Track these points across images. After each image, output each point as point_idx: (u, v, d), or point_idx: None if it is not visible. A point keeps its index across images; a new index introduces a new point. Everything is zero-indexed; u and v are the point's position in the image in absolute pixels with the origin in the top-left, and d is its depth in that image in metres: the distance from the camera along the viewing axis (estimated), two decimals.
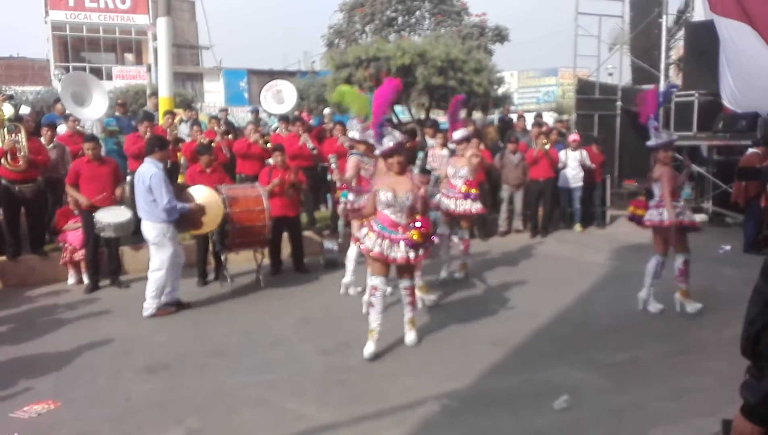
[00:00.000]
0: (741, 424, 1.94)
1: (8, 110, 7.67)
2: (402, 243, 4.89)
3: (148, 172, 6.04)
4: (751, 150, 8.86)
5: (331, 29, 17.11)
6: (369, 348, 5.00)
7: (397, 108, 14.31)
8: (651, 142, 5.97)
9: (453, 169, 7.24)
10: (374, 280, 5.04)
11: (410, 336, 5.24)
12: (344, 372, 4.72)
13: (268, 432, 3.86)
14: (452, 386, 4.40)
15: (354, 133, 6.73)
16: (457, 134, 7.25)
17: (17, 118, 7.85)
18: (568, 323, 5.80)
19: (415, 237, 4.84)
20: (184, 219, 6.24)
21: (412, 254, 4.90)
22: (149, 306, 6.19)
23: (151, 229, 6.10)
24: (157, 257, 6.14)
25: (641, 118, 6.14)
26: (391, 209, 4.93)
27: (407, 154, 6.80)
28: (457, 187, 7.12)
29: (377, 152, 5.23)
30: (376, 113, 5.20)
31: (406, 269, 5.09)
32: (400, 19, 16.75)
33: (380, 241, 4.91)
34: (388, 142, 5.02)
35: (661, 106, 6.09)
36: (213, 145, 8.16)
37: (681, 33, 14.24)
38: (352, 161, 7.02)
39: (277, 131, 10.48)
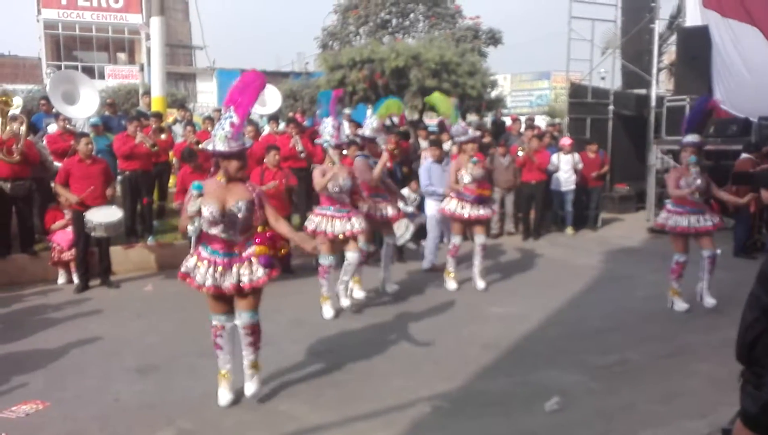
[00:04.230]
0: (742, 433, 1.89)
1: (17, 101, 7.65)
2: (235, 267, 3.96)
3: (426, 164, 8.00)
4: (744, 155, 8.92)
5: (325, 31, 17.12)
6: (224, 396, 4.18)
7: None
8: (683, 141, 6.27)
9: (335, 183, 5.88)
10: (215, 320, 4.17)
11: (251, 386, 4.18)
12: (336, 373, 4.71)
13: (260, 433, 3.84)
14: (444, 387, 4.41)
15: (366, 131, 6.30)
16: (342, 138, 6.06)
17: (11, 118, 7.82)
18: (559, 325, 5.81)
19: (258, 251, 3.97)
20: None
21: (245, 279, 3.95)
22: (428, 261, 8.06)
23: (432, 205, 7.81)
24: (435, 228, 8.03)
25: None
26: (218, 228, 3.91)
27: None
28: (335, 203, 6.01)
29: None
30: (242, 105, 3.93)
31: (244, 300, 4.07)
32: (394, 22, 16.80)
33: (212, 270, 3.96)
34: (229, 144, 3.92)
35: (699, 111, 6.29)
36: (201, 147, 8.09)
37: (673, 38, 14.32)
38: (359, 164, 6.63)
39: (267, 131, 10.52)
